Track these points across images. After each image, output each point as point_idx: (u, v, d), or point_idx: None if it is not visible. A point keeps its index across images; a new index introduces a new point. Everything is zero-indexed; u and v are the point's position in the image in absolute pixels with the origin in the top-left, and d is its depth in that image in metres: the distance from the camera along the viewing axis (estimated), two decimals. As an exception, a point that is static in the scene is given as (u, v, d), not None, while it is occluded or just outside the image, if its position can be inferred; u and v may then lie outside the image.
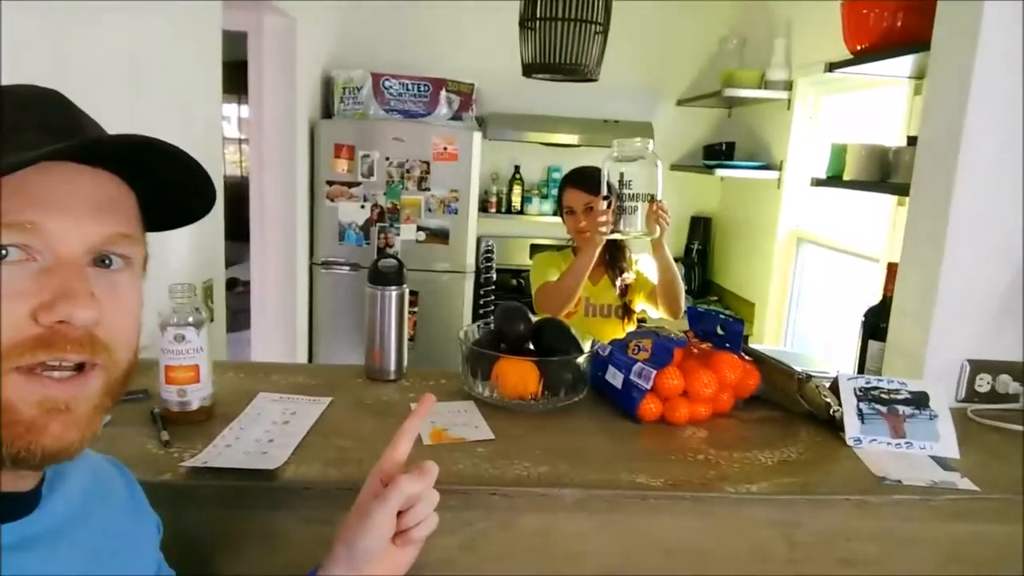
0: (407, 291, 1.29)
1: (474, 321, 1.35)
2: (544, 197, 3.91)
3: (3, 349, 0.49)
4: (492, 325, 1.34)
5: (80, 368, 0.53)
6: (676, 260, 4.00)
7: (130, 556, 0.67)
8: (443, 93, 3.49)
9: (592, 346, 1.28)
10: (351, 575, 0.69)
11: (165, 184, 0.60)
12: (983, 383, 1.31)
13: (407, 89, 3.45)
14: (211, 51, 1.99)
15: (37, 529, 0.56)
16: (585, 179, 2.07)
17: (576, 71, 2.33)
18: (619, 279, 2.16)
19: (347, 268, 3.39)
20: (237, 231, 2.69)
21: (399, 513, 0.70)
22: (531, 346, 1.30)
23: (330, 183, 3.30)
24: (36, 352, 0.50)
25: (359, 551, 0.68)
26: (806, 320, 3.20)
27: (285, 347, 3.29)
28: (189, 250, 1.83)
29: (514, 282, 3.82)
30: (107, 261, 0.56)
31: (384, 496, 0.68)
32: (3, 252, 0.49)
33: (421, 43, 3.69)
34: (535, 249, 3.91)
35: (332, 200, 3.32)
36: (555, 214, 3.85)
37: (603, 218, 1.77)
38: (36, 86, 0.59)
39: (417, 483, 0.70)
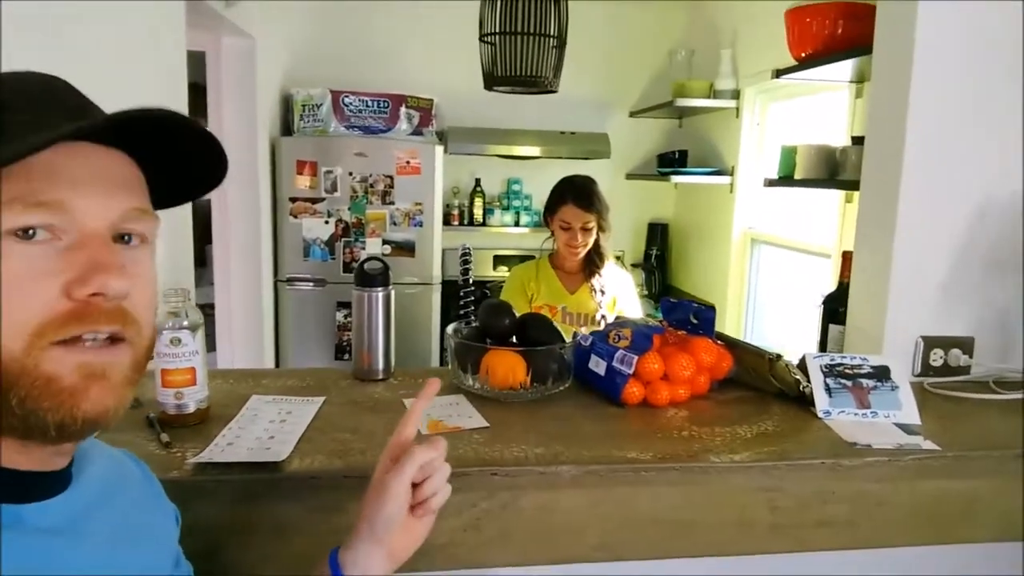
0: (393, 292, 1.32)
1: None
2: (505, 209, 3.97)
3: (41, 325, 0.50)
4: (475, 322, 1.39)
5: (110, 341, 0.54)
6: (635, 266, 4.13)
7: (149, 545, 0.68)
8: (403, 109, 3.53)
9: (574, 337, 1.33)
10: (374, 547, 0.72)
11: (181, 158, 0.60)
12: (936, 358, 1.41)
13: (367, 105, 3.47)
14: (176, 71, 2.00)
15: (62, 514, 0.56)
16: (585, 197, 2.14)
17: (535, 83, 2.42)
18: (598, 285, 2.23)
19: (312, 284, 3.39)
20: (196, 256, 2.67)
21: (415, 486, 0.73)
22: (514, 340, 1.34)
23: (293, 200, 3.31)
24: (70, 326, 0.51)
25: (380, 523, 0.72)
26: (763, 317, 3.33)
27: (252, 366, 3.26)
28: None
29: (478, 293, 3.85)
30: (126, 238, 0.57)
31: (399, 466, 0.72)
32: (31, 232, 0.50)
33: (379, 60, 3.73)
34: (499, 261, 3.97)
35: (296, 216, 3.32)
36: (517, 224, 3.94)
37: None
38: (40, 72, 0.58)
39: (429, 451, 0.74)
